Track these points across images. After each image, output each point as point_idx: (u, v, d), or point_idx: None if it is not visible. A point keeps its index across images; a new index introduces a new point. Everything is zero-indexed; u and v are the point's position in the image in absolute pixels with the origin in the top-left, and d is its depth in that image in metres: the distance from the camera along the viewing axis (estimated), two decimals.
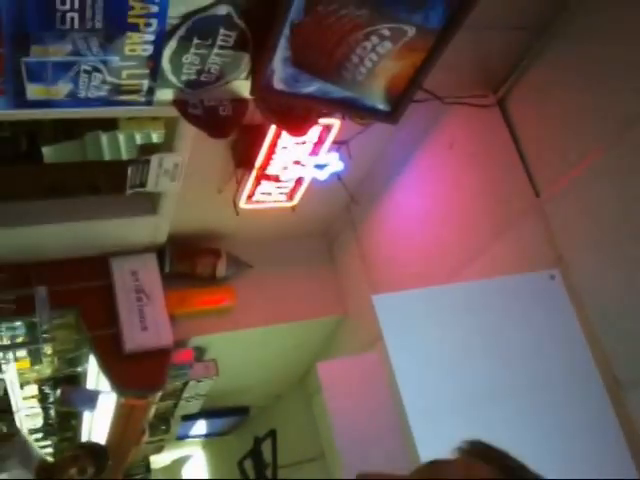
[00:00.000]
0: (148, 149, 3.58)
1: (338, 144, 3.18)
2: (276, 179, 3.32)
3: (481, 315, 2.38)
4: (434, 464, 0.78)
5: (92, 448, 3.64)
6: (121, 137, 4.27)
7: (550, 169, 2.59)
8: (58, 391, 4.19)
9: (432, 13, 1.66)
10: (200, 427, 5.74)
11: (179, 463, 7.59)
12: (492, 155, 2.85)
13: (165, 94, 1.99)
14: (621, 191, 2.32)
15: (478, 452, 0.81)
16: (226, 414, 5.59)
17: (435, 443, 2.15)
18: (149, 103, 1.91)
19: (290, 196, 3.51)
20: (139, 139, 4.28)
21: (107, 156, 4.24)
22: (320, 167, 3.25)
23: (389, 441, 2.98)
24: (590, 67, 2.39)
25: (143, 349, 3.68)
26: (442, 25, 1.75)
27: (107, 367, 3.74)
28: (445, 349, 2.31)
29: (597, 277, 2.45)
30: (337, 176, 3.35)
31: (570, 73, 2.46)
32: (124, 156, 4.24)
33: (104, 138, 4.23)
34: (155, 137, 4.19)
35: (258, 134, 3.06)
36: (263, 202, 3.51)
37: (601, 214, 2.40)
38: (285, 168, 3.23)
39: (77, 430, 5.69)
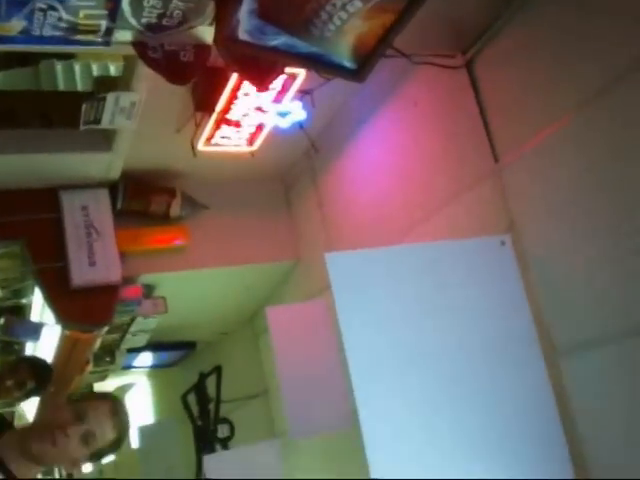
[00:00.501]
0: (105, 82, 3.44)
1: (302, 93, 3.13)
2: (236, 124, 3.26)
3: (431, 277, 2.44)
4: None
5: (34, 362, 3.54)
6: (77, 67, 4.09)
7: (511, 136, 2.61)
8: (1, 320, 4.13)
9: None
10: (145, 358, 5.78)
11: (122, 390, 7.65)
12: (455, 117, 2.85)
13: (124, 36, 1.92)
14: (576, 164, 2.37)
15: None
16: (172, 348, 5.64)
17: (374, 396, 2.23)
18: (107, 44, 1.85)
19: (250, 141, 3.46)
20: (96, 70, 4.10)
21: (62, 86, 4.06)
22: (282, 115, 3.20)
23: (330, 387, 3.08)
24: (560, 36, 2.38)
25: (90, 284, 3.65)
26: None
27: (53, 300, 3.71)
28: (393, 309, 2.36)
29: (545, 246, 2.53)
30: (299, 125, 3.31)
31: (540, 41, 2.45)
32: (79, 87, 4.07)
33: (59, 67, 4.04)
34: (113, 69, 4.02)
35: (220, 78, 2.98)
36: (222, 145, 3.45)
37: (555, 185, 2.45)
38: (246, 114, 3.17)
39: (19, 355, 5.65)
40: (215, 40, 1.94)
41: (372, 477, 2.10)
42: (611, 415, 2.31)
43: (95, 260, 3.71)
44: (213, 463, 3.68)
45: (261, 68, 2.13)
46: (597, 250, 2.31)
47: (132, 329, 4.56)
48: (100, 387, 6.75)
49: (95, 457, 1.83)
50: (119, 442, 1.83)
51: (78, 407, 1.76)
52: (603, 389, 2.34)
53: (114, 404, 1.83)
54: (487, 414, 2.33)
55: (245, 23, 1.81)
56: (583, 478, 2.35)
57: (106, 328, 3.99)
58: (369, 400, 2.20)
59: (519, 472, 2.28)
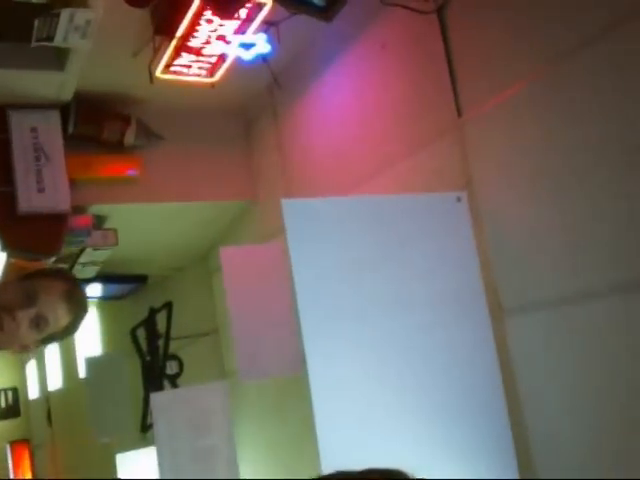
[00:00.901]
0: None
1: (267, 25, 2.99)
2: (197, 52, 3.11)
3: (385, 229, 2.40)
4: None
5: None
6: None
7: (476, 90, 2.54)
8: None
9: None
10: (95, 289, 5.68)
11: None
12: (422, 64, 2.76)
13: None
14: (539, 124, 2.32)
15: None
16: (123, 280, 5.54)
17: (323, 345, 2.22)
18: None
19: (211, 72, 3.31)
20: None
21: None
22: (246, 47, 3.06)
23: (282, 331, 3.07)
24: None
25: (38, 211, 3.54)
26: None
27: None
28: (346, 259, 2.33)
29: (501, 205, 2.50)
30: (263, 58, 3.17)
31: None
32: None
33: None
34: None
35: (182, 1, 2.82)
36: (181, 74, 3.30)
37: (516, 144, 2.41)
38: (208, 42, 3.02)
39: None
40: None
41: (317, 427, 2.10)
42: (553, 379, 2.33)
43: (44, 186, 3.58)
44: (160, 401, 3.68)
45: None
46: (551, 213, 2.29)
47: (81, 260, 4.44)
48: None
49: (47, 341, 1.66)
50: (73, 327, 1.65)
51: (28, 287, 1.55)
52: (546, 350, 2.36)
53: (69, 284, 1.63)
54: (431, 366, 2.34)
55: None
56: (522, 445, 2.38)
57: (54, 258, 3.88)
58: (317, 348, 2.19)
59: (458, 434, 2.29)
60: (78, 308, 1.63)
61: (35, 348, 1.71)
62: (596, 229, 2.16)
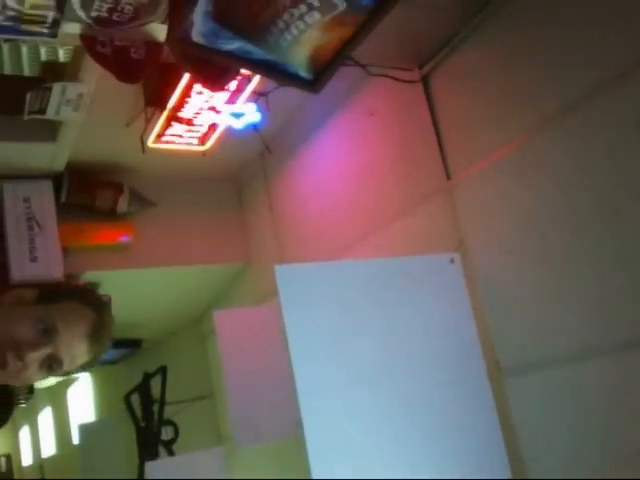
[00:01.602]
0: (52, 69, 3.31)
1: (257, 95, 3.06)
2: (189, 122, 3.17)
3: (379, 293, 2.40)
4: None
5: None
6: (24, 50, 3.92)
7: (463, 154, 2.59)
8: None
9: None
10: None
11: (64, 385, 7.47)
12: (410, 131, 2.82)
13: (72, 28, 1.87)
14: (527, 186, 2.36)
15: None
16: (117, 345, 5.49)
17: (319, 409, 2.20)
18: (53, 35, 1.83)
19: (202, 140, 3.37)
20: (44, 54, 3.94)
21: (8, 69, 3.89)
22: (236, 116, 3.12)
23: (277, 394, 3.02)
24: (515, 58, 2.38)
25: (31, 280, 3.51)
26: (374, 3, 1.69)
27: None
28: (340, 324, 2.32)
29: (493, 265, 2.52)
30: (253, 126, 3.24)
31: (495, 60, 2.44)
32: (26, 72, 3.91)
33: (5, 49, 3.87)
34: (62, 54, 3.87)
35: (173, 73, 2.89)
36: (173, 143, 3.35)
37: (504, 206, 2.45)
38: (199, 113, 3.08)
39: None
40: (167, 40, 1.88)
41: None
42: (552, 435, 2.32)
43: (36, 255, 3.57)
44: (155, 470, 3.60)
45: (215, 70, 2.07)
46: (544, 273, 2.31)
47: None
48: (42, 382, 6.57)
49: (54, 376, 1.28)
50: (90, 365, 1.32)
51: (46, 319, 1.19)
52: (545, 411, 2.34)
53: (98, 314, 1.27)
54: (430, 430, 2.31)
55: (199, 25, 1.75)
56: None
57: None
58: (314, 412, 2.17)
59: None
60: (101, 346, 1.30)
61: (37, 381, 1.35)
62: (589, 289, 2.17)
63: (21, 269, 3.53)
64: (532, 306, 2.36)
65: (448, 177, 2.66)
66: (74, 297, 1.28)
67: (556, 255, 2.27)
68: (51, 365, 1.21)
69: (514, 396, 2.42)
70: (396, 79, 2.65)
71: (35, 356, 1.18)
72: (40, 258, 3.56)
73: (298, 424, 2.33)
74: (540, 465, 2.37)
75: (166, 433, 4.60)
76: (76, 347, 1.24)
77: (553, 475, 2.33)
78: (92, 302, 1.29)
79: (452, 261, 2.53)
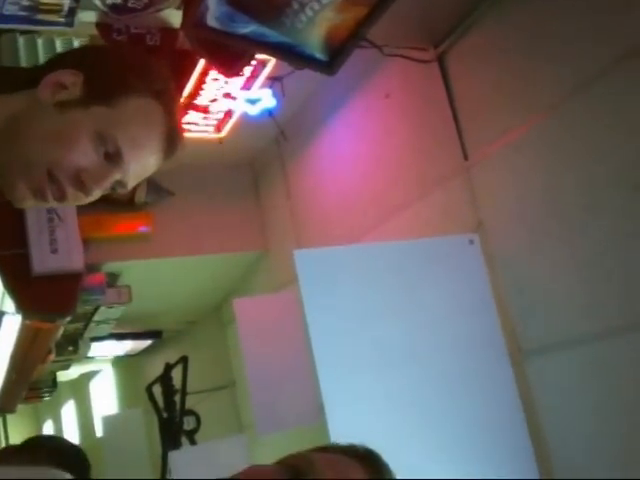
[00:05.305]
0: None
1: (272, 80, 3.05)
2: (204, 110, 3.16)
3: (398, 275, 2.39)
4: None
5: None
6: (40, 42, 3.94)
7: (481, 134, 2.57)
8: None
9: None
10: (110, 347, 5.68)
11: (87, 377, 7.55)
12: (426, 112, 2.80)
13: (88, 16, 1.87)
14: (545, 165, 2.34)
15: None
16: (137, 337, 5.54)
17: (341, 393, 2.20)
18: (70, 24, 1.82)
19: (218, 128, 3.36)
20: (59, 46, 3.95)
21: (24, 61, 3.91)
22: (252, 102, 3.11)
23: (298, 381, 3.03)
24: (531, 36, 2.35)
25: (52, 272, 3.55)
26: None
27: (13, 289, 3.58)
28: (360, 307, 2.32)
29: (514, 246, 2.50)
30: (269, 112, 3.23)
31: (512, 39, 2.41)
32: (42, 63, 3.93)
33: (21, 41, 3.88)
34: (77, 45, 3.88)
35: (188, 61, 2.88)
36: (189, 131, 3.35)
37: (524, 185, 2.42)
38: (214, 100, 3.08)
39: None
40: (183, 25, 1.88)
41: None
42: (576, 417, 2.30)
43: (57, 247, 3.60)
44: (179, 459, 3.62)
45: (230, 55, 2.06)
46: (565, 252, 2.29)
47: (96, 318, 4.46)
48: (64, 374, 6.65)
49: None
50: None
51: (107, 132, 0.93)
52: (568, 391, 2.32)
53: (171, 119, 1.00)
54: (453, 413, 2.31)
55: (214, 9, 1.76)
56: (547, 478, 2.34)
57: (69, 318, 3.89)
58: (336, 397, 2.17)
59: (484, 472, 2.26)
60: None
61: None
62: (609, 266, 2.15)
63: (42, 261, 3.56)
64: (552, 285, 2.34)
65: (465, 157, 2.64)
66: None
67: (575, 234, 2.25)
68: (114, 188, 1.01)
69: (536, 377, 2.40)
70: (411, 59, 2.63)
71: (100, 190, 0.97)
72: (61, 250, 3.60)
73: (320, 410, 2.34)
74: (564, 447, 2.35)
75: (188, 423, 4.63)
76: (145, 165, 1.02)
77: (577, 457, 2.31)
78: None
79: (472, 242, 2.51)
